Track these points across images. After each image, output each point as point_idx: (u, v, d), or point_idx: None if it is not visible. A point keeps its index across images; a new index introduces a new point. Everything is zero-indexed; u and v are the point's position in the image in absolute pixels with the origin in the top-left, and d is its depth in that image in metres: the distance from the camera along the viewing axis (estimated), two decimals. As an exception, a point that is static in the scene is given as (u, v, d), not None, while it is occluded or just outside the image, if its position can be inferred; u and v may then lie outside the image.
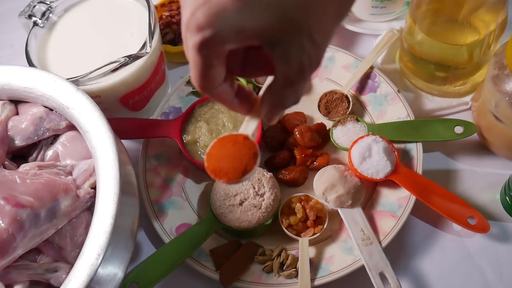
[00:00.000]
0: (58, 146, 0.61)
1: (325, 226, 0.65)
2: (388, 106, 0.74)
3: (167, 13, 0.87)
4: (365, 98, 0.76)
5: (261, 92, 0.39)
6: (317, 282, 0.62)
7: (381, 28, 0.84)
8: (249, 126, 0.41)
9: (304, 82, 0.36)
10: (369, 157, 0.67)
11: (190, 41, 0.33)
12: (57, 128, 0.61)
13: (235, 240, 0.67)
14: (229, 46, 0.34)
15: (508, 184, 0.66)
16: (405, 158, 0.70)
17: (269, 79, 0.39)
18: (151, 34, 0.66)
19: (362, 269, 0.62)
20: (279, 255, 0.65)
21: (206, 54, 0.33)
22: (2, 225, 0.49)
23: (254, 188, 0.65)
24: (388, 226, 0.65)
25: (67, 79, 0.61)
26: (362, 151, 0.67)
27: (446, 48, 0.69)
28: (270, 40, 0.33)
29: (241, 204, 0.65)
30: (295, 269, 0.63)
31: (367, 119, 0.75)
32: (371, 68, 0.77)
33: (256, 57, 0.39)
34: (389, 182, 0.67)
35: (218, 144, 0.40)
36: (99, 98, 0.67)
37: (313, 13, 0.33)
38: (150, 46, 0.65)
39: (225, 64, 0.36)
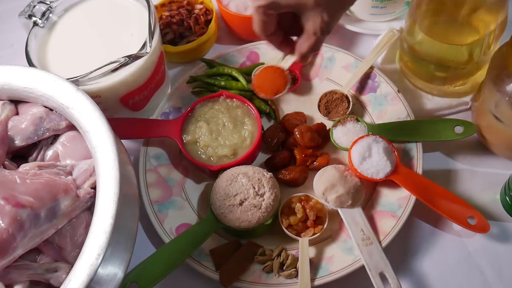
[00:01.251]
0: (58, 146, 0.61)
1: (325, 226, 0.65)
2: (388, 106, 0.74)
3: (167, 13, 0.87)
4: (365, 98, 0.76)
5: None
6: (317, 282, 0.62)
7: (381, 28, 0.84)
8: (287, 63, 0.61)
9: (321, 36, 0.56)
10: (369, 157, 0.67)
11: (254, 3, 0.55)
12: (57, 128, 0.61)
13: (235, 240, 0.67)
14: (271, 11, 0.55)
15: (508, 184, 0.66)
16: (405, 158, 0.70)
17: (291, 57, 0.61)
18: (151, 34, 0.66)
19: (362, 269, 0.62)
20: (279, 255, 0.65)
21: (261, 12, 0.55)
22: (2, 225, 0.49)
23: (254, 188, 0.65)
24: (388, 226, 0.65)
25: (67, 79, 0.61)
26: (362, 151, 0.67)
27: (446, 48, 0.69)
28: (299, 10, 0.55)
29: (241, 204, 0.65)
30: (295, 269, 0.63)
31: (367, 119, 0.75)
32: (371, 68, 0.77)
33: (297, 23, 0.58)
34: (389, 182, 0.67)
35: (264, 70, 0.64)
36: (99, 98, 0.67)
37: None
38: (150, 46, 0.65)
39: (275, 22, 0.57)
